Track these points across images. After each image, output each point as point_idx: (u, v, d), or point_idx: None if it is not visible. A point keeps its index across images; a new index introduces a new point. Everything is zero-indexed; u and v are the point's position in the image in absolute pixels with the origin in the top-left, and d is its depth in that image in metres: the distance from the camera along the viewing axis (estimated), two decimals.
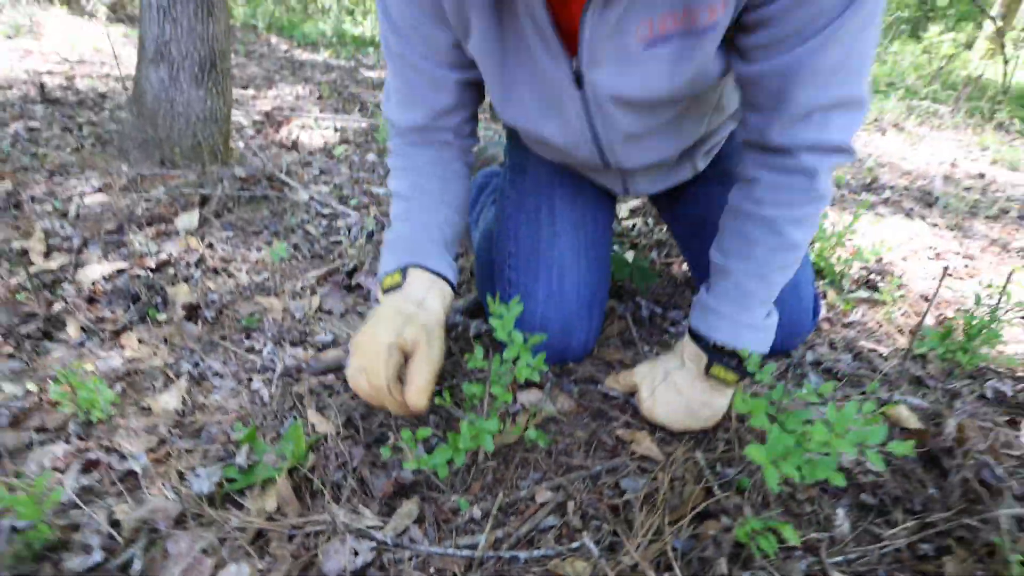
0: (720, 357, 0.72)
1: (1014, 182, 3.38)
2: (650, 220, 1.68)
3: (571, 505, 0.66)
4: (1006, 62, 5.83)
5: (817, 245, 1.39)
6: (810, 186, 0.65)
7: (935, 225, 2.11)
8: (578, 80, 0.68)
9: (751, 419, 0.57)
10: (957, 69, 7.72)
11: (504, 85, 0.73)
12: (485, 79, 0.75)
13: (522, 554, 0.59)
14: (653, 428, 0.80)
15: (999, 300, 0.97)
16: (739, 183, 0.71)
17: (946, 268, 1.02)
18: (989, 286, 1.19)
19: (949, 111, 5.07)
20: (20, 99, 2.87)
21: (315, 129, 2.88)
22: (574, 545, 0.60)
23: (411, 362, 0.69)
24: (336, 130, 2.89)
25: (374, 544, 0.59)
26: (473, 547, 0.60)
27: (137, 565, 0.56)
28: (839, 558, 0.61)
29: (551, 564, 0.58)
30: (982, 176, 3.43)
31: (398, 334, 0.67)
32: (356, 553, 0.58)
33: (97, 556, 0.57)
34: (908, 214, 2.28)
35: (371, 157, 2.25)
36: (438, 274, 0.77)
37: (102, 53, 4.98)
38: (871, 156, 3.70)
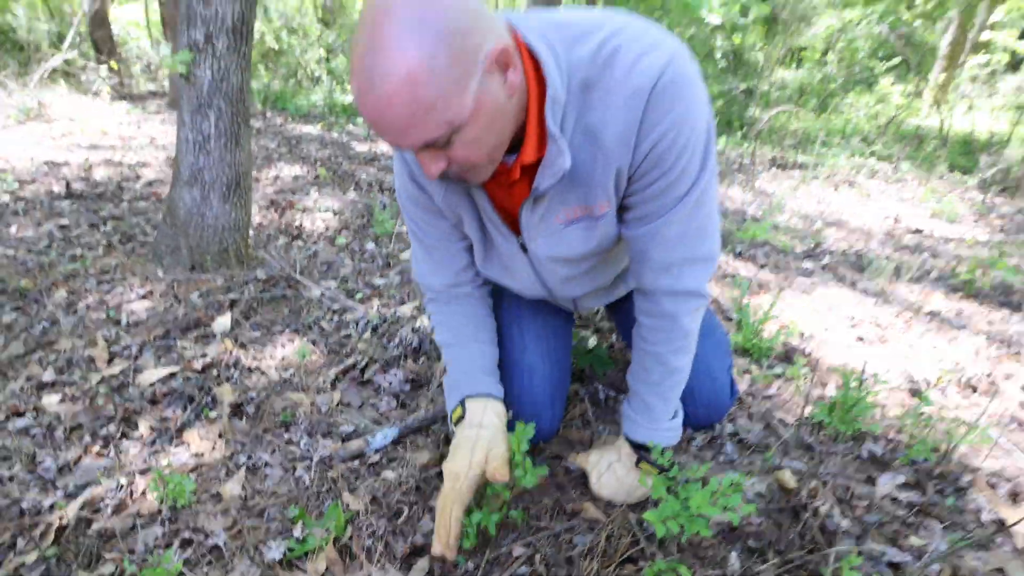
0: (644, 451, 1.01)
1: (948, 235, 3.73)
2: None
3: (538, 557, 0.92)
4: (942, 120, 6.37)
5: (743, 327, 1.69)
6: (675, 326, 0.94)
7: (862, 291, 2.43)
8: (524, 248, 0.99)
9: (652, 492, 0.85)
10: (909, 118, 8.31)
11: (483, 253, 1.04)
12: (474, 248, 1.05)
13: None
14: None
15: (861, 380, 1.26)
16: (635, 325, 1.00)
17: (811, 385, 1.31)
18: (855, 373, 1.48)
19: (892, 168, 5.53)
20: (46, 194, 3.16)
21: (316, 212, 3.18)
22: None
23: (489, 468, 0.93)
24: (334, 213, 3.20)
25: None
26: None
27: None
28: None
29: None
30: (920, 231, 3.79)
31: (468, 461, 0.93)
32: None
33: None
34: (841, 280, 2.61)
35: (370, 246, 2.55)
36: (487, 395, 1.04)
37: (109, 136, 5.31)
38: (821, 216, 4.07)
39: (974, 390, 1.57)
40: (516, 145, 0.81)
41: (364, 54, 0.63)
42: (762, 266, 2.76)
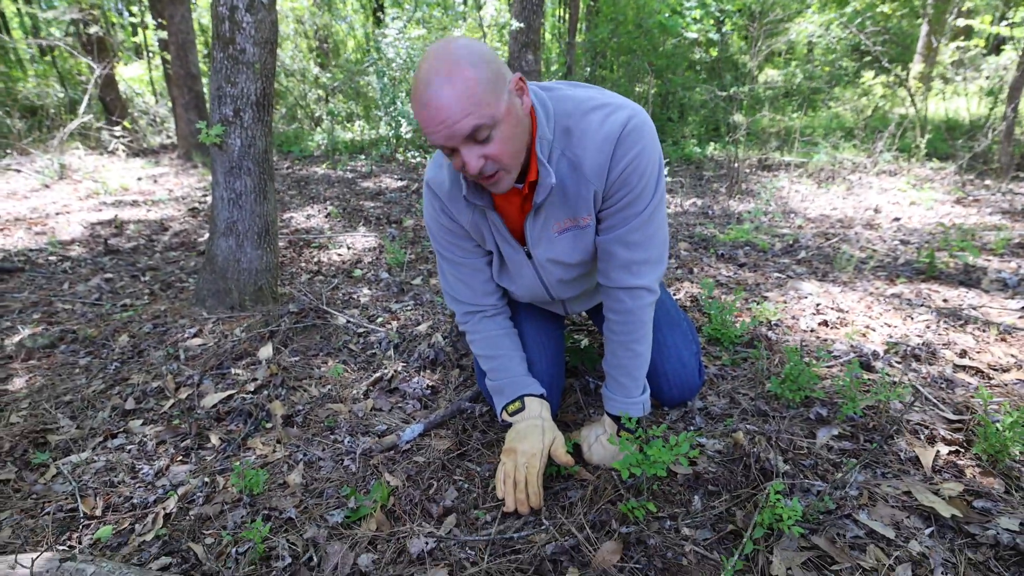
0: (621, 421, 1.27)
1: (926, 220, 3.93)
2: None
3: (543, 508, 1.18)
4: (917, 109, 6.58)
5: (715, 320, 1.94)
6: (634, 319, 1.21)
7: (831, 281, 2.67)
8: (529, 255, 1.27)
9: (620, 447, 1.10)
10: (894, 108, 8.52)
11: (498, 265, 1.32)
12: (493, 262, 1.33)
13: (515, 535, 1.10)
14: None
15: (801, 355, 1.51)
16: (604, 322, 1.27)
17: (769, 364, 1.55)
18: (795, 351, 1.72)
19: (871, 161, 5.75)
20: (88, 252, 3.48)
21: (331, 248, 3.47)
22: (542, 527, 1.12)
23: (554, 449, 1.22)
24: (348, 247, 3.49)
25: (435, 538, 1.10)
26: (489, 535, 1.11)
27: (314, 559, 1.07)
28: (688, 520, 1.12)
29: (529, 538, 1.10)
30: (898, 219, 4.01)
31: (540, 443, 1.21)
32: (426, 543, 1.08)
33: (288, 559, 1.08)
34: (813, 272, 2.85)
35: (384, 275, 2.83)
36: (541, 395, 1.33)
37: (131, 191, 5.67)
38: (803, 213, 4.31)
39: (916, 359, 1.81)
40: (522, 179, 1.12)
41: (431, 73, 0.93)
42: (741, 265, 3.01)
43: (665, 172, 1.16)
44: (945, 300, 2.37)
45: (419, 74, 0.94)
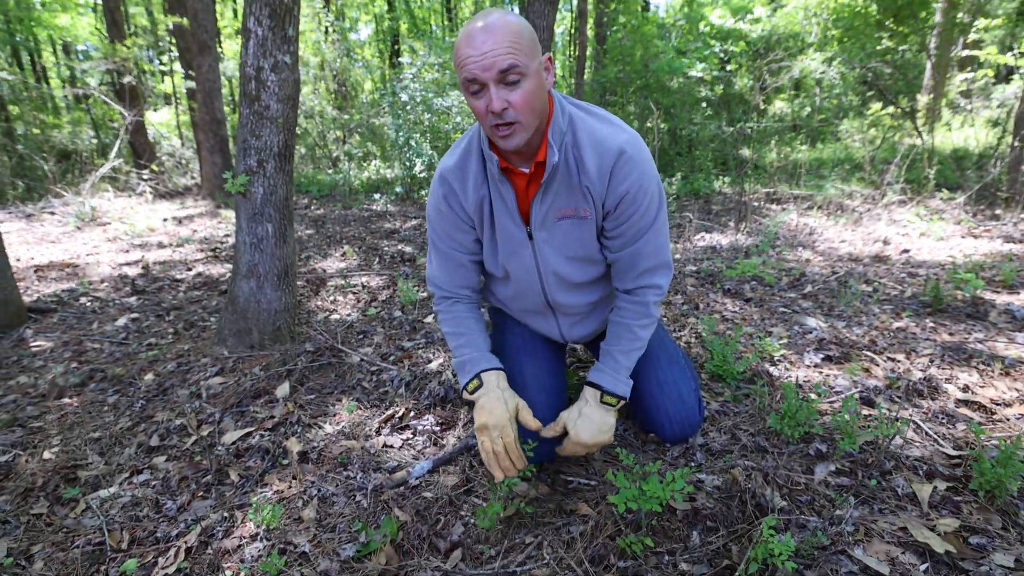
0: (604, 393, 1.35)
1: (935, 253, 3.94)
2: None
3: (545, 543, 1.22)
4: (923, 140, 6.64)
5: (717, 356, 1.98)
6: (645, 308, 1.34)
7: (836, 316, 2.70)
8: (530, 236, 1.34)
9: (616, 482, 1.15)
10: (903, 139, 8.58)
11: (493, 244, 1.39)
12: (484, 243, 1.40)
13: (518, 569, 1.15)
14: (591, 498, 1.37)
15: (797, 391, 1.55)
16: (613, 306, 1.37)
17: (770, 401, 1.59)
18: (791, 387, 1.76)
19: (879, 193, 5.79)
20: (115, 292, 3.62)
21: (347, 288, 3.58)
22: (544, 561, 1.16)
23: (520, 415, 1.31)
24: (363, 286, 3.60)
25: (442, 572, 1.15)
26: (493, 568, 1.16)
27: None
28: (686, 555, 1.16)
29: (531, 571, 1.14)
30: (907, 252, 4.02)
31: (506, 413, 1.29)
32: None
33: None
34: (819, 307, 2.89)
35: (397, 313, 2.92)
36: (499, 368, 1.39)
37: (157, 232, 5.88)
38: (811, 246, 4.34)
39: (919, 394, 1.83)
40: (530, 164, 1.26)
41: (481, 19, 1.07)
42: (748, 300, 3.06)
43: (665, 193, 1.31)
44: (951, 334, 2.38)
45: (469, 23, 1.09)
